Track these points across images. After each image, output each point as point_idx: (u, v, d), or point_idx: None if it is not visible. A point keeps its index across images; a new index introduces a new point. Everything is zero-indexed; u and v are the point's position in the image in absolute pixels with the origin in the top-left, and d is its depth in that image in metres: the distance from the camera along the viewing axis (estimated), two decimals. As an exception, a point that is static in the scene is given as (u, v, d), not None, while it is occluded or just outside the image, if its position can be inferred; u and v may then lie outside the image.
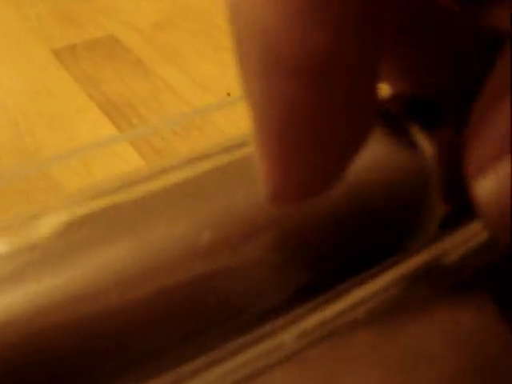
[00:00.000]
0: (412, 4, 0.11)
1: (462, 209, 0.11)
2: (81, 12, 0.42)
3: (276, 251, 0.13)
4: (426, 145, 0.11)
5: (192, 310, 0.12)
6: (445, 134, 0.11)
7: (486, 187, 0.09)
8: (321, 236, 0.12)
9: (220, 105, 0.21)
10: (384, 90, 0.15)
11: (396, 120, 0.11)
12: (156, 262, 0.11)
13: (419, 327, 0.12)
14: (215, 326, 0.12)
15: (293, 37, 0.08)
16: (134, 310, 0.12)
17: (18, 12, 0.42)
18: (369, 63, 0.09)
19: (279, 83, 0.08)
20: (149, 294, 0.12)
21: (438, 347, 0.12)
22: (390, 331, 0.12)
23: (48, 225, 0.14)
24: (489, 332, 0.12)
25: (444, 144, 0.11)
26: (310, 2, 0.08)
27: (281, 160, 0.09)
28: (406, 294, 0.12)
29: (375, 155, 0.11)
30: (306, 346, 0.11)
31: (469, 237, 0.12)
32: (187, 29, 0.39)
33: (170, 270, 0.12)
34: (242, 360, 0.11)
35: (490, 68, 0.09)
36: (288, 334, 0.11)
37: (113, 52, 0.37)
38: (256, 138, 0.09)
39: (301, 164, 0.09)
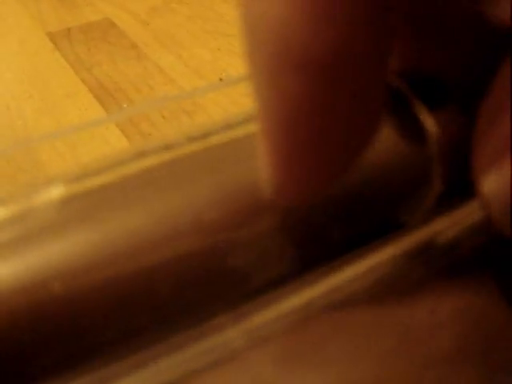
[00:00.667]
0: None
1: (459, 188, 0.11)
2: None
3: (277, 229, 0.12)
4: (429, 122, 0.11)
5: (192, 284, 0.12)
6: (449, 112, 0.11)
7: (491, 182, 0.09)
8: (321, 213, 0.12)
9: (207, 88, 0.20)
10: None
11: (400, 96, 0.11)
12: (150, 238, 0.11)
13: (416, 303, 0.12)
14: (216, 298, 0.12)
15: (303, 32, 0.08)
16: (130, 283, 0.12)
17: (14, -5, 0.42)
18: (378, 59, 0.08)
19: (289, 79, 0.08)
20: (143, 269, 0.12)
21: (436, 323, 0.11)
22: (387, 306, 0.12)
23: (40, 199, 0.13)
24: (489, 309, 0.12)
25: (448, 122, 0.11)
26: None
27: (286, 156, 0.09)
28: (403, 270, 0.12)
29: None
30: (303, 319, 0.11)
31: (465, 215, 0.12)
32: (183, 13, 0.38)
33: (166, 246, 0.12)
34: (241, 331, 0.11)
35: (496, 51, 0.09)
36: (286, 306, 0.11)
37: (108, 36, 0.37)
38: (262, 134, 0.09)
39: (306, 161, 0.09)
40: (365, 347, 0.10)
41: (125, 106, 0.29)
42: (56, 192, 0.14)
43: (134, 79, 0.32)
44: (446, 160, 0.11)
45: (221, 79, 0.31)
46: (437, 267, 0.12)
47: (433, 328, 0.10)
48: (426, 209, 0.11)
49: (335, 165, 0.09)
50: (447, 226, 0.12)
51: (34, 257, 0.12)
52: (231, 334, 0.11)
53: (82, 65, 0.34)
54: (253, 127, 0.15)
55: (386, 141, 0.12)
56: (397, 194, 0.12)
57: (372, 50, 0.08)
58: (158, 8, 0.40)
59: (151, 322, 0.11)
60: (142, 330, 0.11)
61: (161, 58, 0.34)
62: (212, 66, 0.33)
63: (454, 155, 0.11)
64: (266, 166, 0.09)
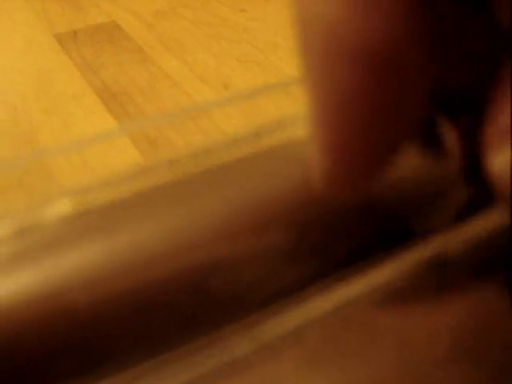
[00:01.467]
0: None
1: (478, 200, 0.12)
2: (85, -3, 0.42)
3: (289, 241, 0.13)
4: (451, 137, 0.11)
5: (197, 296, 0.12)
6: (470, 126, 0.12)
7: (498, 160, 0.09)
8: (336, 223, 0.13)
9: (219, 102, 0.21)
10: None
11: None
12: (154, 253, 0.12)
13: (416, 310, 0.12)
14: (224, 309, 0.12)
15: (353, 26, 0.08)
16: (141, 294, 0.12)
17: (22, -5, 0.42)
18: (423, 53, 0.09)
19: (344, 71, 0.09)
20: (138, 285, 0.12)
21: (434, 330, 0.12)
22: (405, 313, 0.12)
23: (53, 212, 0.14)
24: (491, 316, 0.12)
25: (469, 137, 0.12)
26: None
27: (341, 145, 0.09)
28: (416, 280, 0.12)
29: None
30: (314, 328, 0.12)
31: (481, 228, 0.13)
32: (188, 18, 0.39)
33: (176, 258, 0.12)
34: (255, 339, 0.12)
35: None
36: (292, 316, 0.12)
37: (114, 38, 0.37)
38: (317, 127, 0.09)
39: (358, 149, 0.09)
40: (363, 353, 0.11)
41: (130, 109, 0.30)
42: (68, 205, 0.14)
43: (139, 82, 0.33)
44: (466, 169, 0.11)
45: (225, 86, 0.32)
46: (450, 278, 0.12)
47: (431, 335, 0.11)
48: (447, 219, 0.12)
49: (380, 155, 0.10)
50: (466, 236, 0.12)
51: (50, 268, 0.12)
52: (237, 343, 0.11)
53: (88, 67, 0.35)
54: (257, 145, 0.16)
55: (410, 155, 0.12)
56: (418, 205, 0.12)
57: (418, 45, 0.09)
58: (163, 12, 0.40)
59: (163, 330, 0.12)
60: (153, 339, 0.12)
61: (166, 62, 0.35)
62: (215, 71, 0.33)
63: (475, 169, 0.11)
64: (321, 158, 0.10)
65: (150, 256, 0.13)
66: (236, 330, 0.11)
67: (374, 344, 0.11)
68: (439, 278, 0.13)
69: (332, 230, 0.13)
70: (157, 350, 0.12)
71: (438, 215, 0.12)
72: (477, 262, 0.13)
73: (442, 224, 0.12)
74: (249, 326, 0.12)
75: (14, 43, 0.37)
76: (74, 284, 0.12)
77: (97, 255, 0.12)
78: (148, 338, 0.12)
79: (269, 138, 0.16)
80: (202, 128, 0.27)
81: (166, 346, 0.12)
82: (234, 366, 0.11)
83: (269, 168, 0.16)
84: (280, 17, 0.39)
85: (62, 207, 0.14)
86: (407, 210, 0.13)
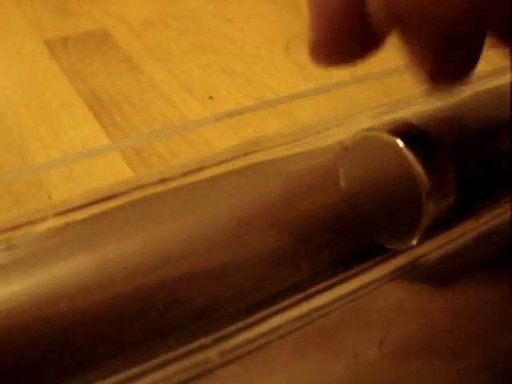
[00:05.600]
0: None
1: (445, 220, 0.13)
2: (77, 3, 0.43)
3: (274, 249, 0.14)
4: (419, 169, 0.13)
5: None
6: (436, 160, 0.13)
7: None
8: (317, 238, 0.14)
9: (212, 119, 0.22)
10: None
11: (396, 148, 0.13)
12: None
13: (367, 332, 0.13)
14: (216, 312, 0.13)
15: None
16: (125, 303, 0.13)
17: (12, 0, 0.43)
18: None
19: None
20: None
21: (384, 354, 0.13)
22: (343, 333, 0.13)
23: (39, 227, 0.15)
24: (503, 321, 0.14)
25: (435, 168, 0.13)
26: None
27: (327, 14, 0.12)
28: (384, 292, 0.14)
29: (378, 171, 0.13)
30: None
31: (447, 241, 0.15)
32: (176, 27, 0.40)
33: (159, 269, 0.14)
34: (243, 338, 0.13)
35: None
36: (258, 330, 0.13)
37: (103, 47, 0.38)
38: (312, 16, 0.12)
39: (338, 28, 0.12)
40: (319, 369, 0.12)
41: (118, 119, 0.31)
42: (58, 219, 0.16)
43: (127, 92, 0.34)
44: (434, 198, 0.13)
45: (210, 97, 0.33)
46: (418, 289, 0.14)
47: (380, 359, 0.12)
48: (416, 237, 0.13)
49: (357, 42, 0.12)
50: (430, 250, 0.14)
51: (39, 278, 0.13)
52: (210, 353, 0.12)
53: (77, 75, 0.35)
54: (238, 164, 0.17)
55: (384, 178, 0.14)
56: (389, 224, 0.14)
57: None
58: (152, 21, 0.41)
59: (143, 338, 0.13)
60: (135, 345, 0.13)
61: (153, 72, 0.36)
62: (201, 83, 0.35)
63: (441, 195, 0.13)
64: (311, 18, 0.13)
65: (133, 266, 0.14)
66: (207, 343, 0.13)
67: (332, 354, 0.12)
68: (405, 291, 0.14)
69: (310, 240, 0.14)
70: (135, 357, 0.13)
71: (410, 233, 0.14)
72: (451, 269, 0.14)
73: (414, 241, 0.14)
74: (220, 339, 0.13)
75: (5, 49, 0.38)
76: (61, 293, 0.13)
77: (83, 266, 0.14)
78: (130, 344, 0.13)
79: (256, 153, 0.18)
80: (187, 139, 0.29)
81: (146, 354, 0.13)
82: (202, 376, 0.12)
83: (253, 181, 0.17)
84: (266, 29, 0.40)
85: (50, 221, 0.15)
86: (381, 228, 0.14)
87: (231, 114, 0.20)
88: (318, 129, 0.18)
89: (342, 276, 0.14)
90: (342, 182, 0.14)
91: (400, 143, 0.12)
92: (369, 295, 0.14)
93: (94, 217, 0.15)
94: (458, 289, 0.13)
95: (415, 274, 0.14)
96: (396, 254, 0.15)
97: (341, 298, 0.14)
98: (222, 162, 0.17)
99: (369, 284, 0.14)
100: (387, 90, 0.31)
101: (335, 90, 0.31)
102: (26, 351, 0.13)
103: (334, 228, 0.15)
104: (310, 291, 0.14)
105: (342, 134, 0.17)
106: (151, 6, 0.43)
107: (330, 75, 0.34)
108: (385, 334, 0.12)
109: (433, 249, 0.15)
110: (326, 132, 0.17)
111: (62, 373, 0.13)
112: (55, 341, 0.13)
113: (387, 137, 0.13)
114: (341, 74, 0.34)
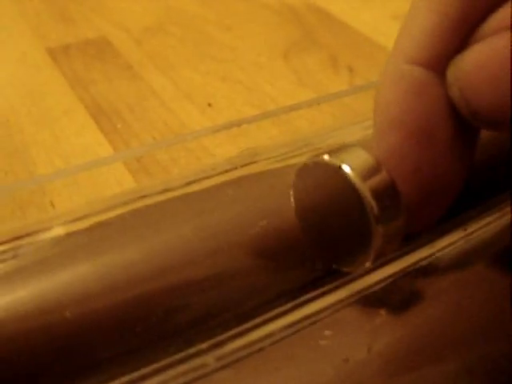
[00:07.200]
0: None
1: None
2: (79, 11, 0.44)
3: (259, 259, 0.15)
4: (371, 201, 0.13)
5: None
6: (386, 185, 0.14)
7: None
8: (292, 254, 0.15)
9: (214, 128, 0.23)
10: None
11: (350, 183, 0.13)
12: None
13: (354, 341, 0.14)
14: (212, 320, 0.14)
15: None
16: (126, 310, 0.14)
17: (16, 7, 0.43)
18: None
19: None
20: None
21: (371, 359, 0.14)
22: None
23: (43, 235, 0.16)
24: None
25: (385, 202, 0.14)
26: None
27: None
28: (342, 314, 0.14)
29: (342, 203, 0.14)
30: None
31: (400, 268, 0.15)
32: (176, 35, 0.41)
33: (159, 277, 0.14)
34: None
35: None
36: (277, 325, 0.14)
37: (104, 54, 0.39)
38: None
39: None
40: (309, 373, 0.13)
41: (119, 126, 0.31)
42: (61, 228, 0.16)
43: (128, 100, 0.34)
44: (383, 221, 0.13)
45: (209, 104, 0.33)
46: (371, 310, 0.14)
47: (367, 365, 0.13)
48: (369, 260, 0.13)
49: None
50: (384, 276, 0.14)
51: (43, 285, 0.14)
52: (207, 358, 0.13)
53: (79, 82, 0.36)
54: (237, 174, 0.18)
55: (331, 207, 0.14)
56: (343, 250, 0.14)
57: None
58: (152, 28, 0.42)
59: (143, 344, 0.14)
60: (135, 350, 0.13)
61: (154, 80, 0.36)
62: (201, 90, 0.35)
63: (390, 216, 0.13)
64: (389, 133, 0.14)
65: (134, 275, 0.14)
66: (204, 348, 0.13)
67: (318, 361, 0.13)
68: (361, 313, 0.15)
69: (292, 256, 0.15)
70: (135, 363, 0.14)
71: (362, 258, 0.14)
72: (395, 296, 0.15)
73: (367, 266, 0.14)
74: (216, 344, 0.13)
75: (7, 57, 0.39)
76: (65, 300, 0.14)
77: (86, 274, 0.14)
78: (130, 350, 0.14)
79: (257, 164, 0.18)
80: (187, 147, 0.29)
81: (146, 360, 0.14)
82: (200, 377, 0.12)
83: (250, 192, 0.18)
84: (265, 37, 0.40)
85: (54, 231, 0.16)
86: (335, 254, 0.14)
87: (230, 125, 0.21)
88: (313, 141, 0.18)
89: (334, 284, 0.14)
90: (293, 206, 0.15)
91: (346, 168, 0.13)
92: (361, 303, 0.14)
93: (95, 226, 0.16)
94: (435, 300, 0.14)
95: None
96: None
97: (331, 305, 0.14)
98: (221, 173, 0.18)
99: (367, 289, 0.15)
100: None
101: (334, 99, 0.32)
102: (30, 357, 0.13)
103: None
104: (300, 300, 0.14)
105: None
106: (151, 14, 0.43)
107: (329, 83, 0.34)
108: (373, 339, 0.13)
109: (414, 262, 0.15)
110: (320, 144, 0.18)
111: (65, 378, 0.13)
112: (59, 347, 0.13)
113: (334, 161, 0.13)
114: (340, 82, 0.34)
